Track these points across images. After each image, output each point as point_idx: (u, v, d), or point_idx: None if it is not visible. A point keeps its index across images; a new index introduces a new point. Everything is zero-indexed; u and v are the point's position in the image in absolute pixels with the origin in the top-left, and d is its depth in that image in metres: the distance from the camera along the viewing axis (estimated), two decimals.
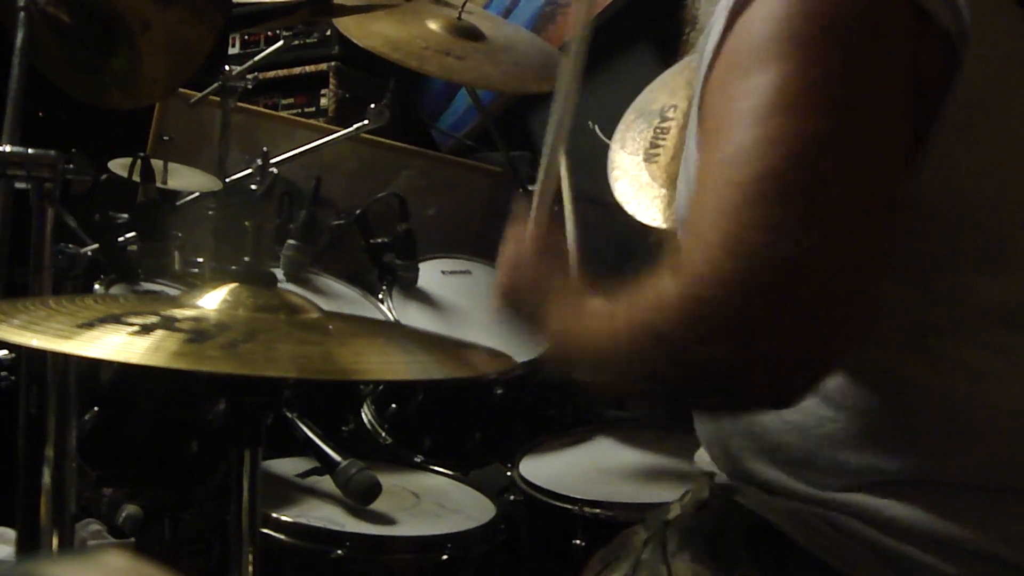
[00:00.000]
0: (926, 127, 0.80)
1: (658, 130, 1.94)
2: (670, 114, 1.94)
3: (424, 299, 1.96)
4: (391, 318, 1.83)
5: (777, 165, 0.73)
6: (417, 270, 1.96)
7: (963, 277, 0.84)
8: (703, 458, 1.03)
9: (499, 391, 1.76)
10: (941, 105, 0.80)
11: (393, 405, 1.77)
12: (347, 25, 2.01)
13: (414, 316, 1.88)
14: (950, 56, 0.79)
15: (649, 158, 1.93)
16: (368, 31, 1.97)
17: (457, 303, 1.98)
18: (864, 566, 0.84)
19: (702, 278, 0.74)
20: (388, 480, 1.49)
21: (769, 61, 0.76)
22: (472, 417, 1.80)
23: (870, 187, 0.75)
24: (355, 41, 1.96)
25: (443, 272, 2.05)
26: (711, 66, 0.83)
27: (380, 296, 1.90)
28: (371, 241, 1.98)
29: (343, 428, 1.80)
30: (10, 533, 1.29)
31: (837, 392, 0.85)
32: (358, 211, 2.01)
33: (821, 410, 0.86)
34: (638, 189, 1.90)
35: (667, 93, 1.96)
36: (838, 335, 0.74)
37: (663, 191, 1.81)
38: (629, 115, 2.02)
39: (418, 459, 1.76)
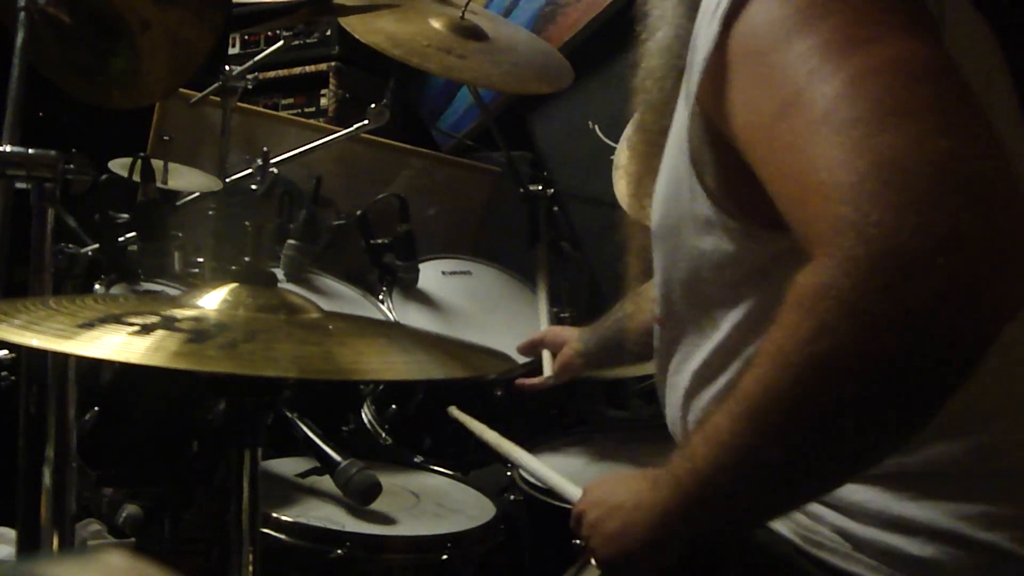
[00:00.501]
0: None
1: None
2: None
3: (424, 300, 1.96)
4: (391, 319, 1.83)
5: (891, 86, 0.68)
6: (417, 271, 1.96)
7: None
8: None
9: (499, 392, 1.76)
10: None
11: (393, 405, 1.77)
12: (349, 22, 2.01)
13: (414, 316, 1.89)
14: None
15: None
16: (370, 28, 1.97)
17: (457, 303, 1.98)
18: (835, 550, 0.86)
19: (863, 219, 0.64)
20: (388, 480, 1.49)
21: (817, 19, 0.73)
22: (473, 417, 1.80)
23: (972, 93, 0.70)
24: (357, 38, 1.96)
25: (443, 273, 2.05)
26: (714, 71, 0.81)
27: (380, 297, 1.90)
28: (371, 242, 1.98)
29: (343, 428, 1.80)
30: (10, 533, 1.29)
31: None
32: (359, 212, 2.01)
33: None
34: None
35: None
36: None
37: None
38: (636, 116, 2.02)
39: (418, 459, 1.76)
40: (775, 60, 0.75)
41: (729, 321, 0.91)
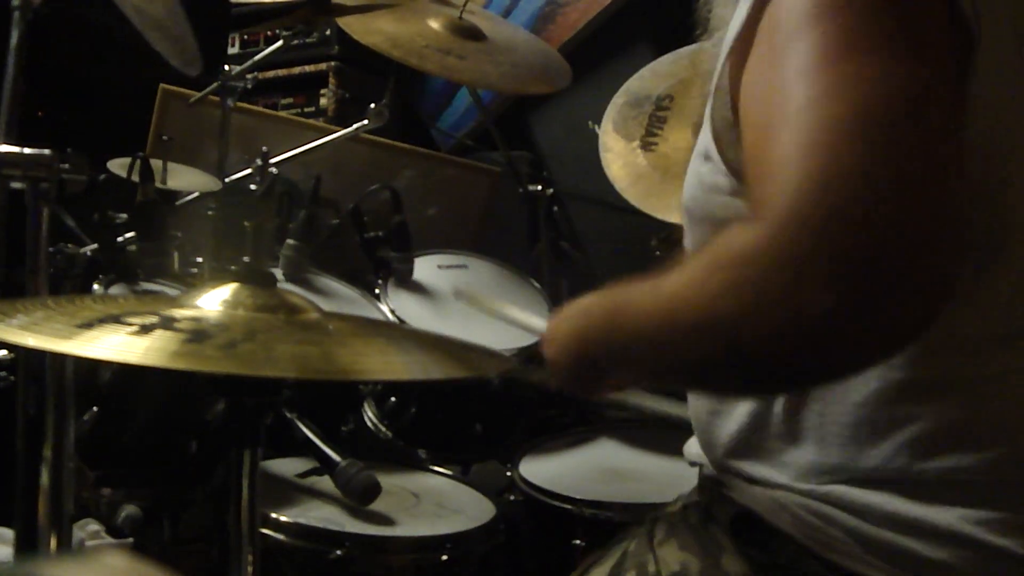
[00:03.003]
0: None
1: (653, 118, 1.94)
2: (666, 104, 1.94)
3: (420, 292, 1.96)
4: (387, 312, 1.83)
5: (862, 102, 0.70)
6: (412, 261, 1.96)
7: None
8: (692, 449, 1.04)
9: (496, 381, 1.77)
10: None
11: (392, 399, 1.77)
12: (348, 22, 2.01)
13: (410, 308, 1.88)
14: (967, 45, 0.79)
15: (646, 146, 1.93)
16: (369, 28, 1.97)
17: (454, 295, 1.98)
18: (846, 552, 0.85)
19: (796, 214, 0.68)
20: (388, 480, 1.49)
21: (828, 15, 0.75)
22: (472, 407, 1.80)
23: (950, 126, 0.73)
24: (356, 38, 1.96)
25: (439, 267, 2.05)
26: (742, 47, 0.83)
27: (376, 290, 1.90)
28: (365, 236, 1.98)
29: (343, 428, 1.80)
30: (8, 533, 1.29)
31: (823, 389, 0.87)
32: (351, 206, 2.01)
33: (807, 407, 0.88)
34: (637, 177, 1.90)
35: (661, 82, 1.96)
36: (948, 263, 0.69)
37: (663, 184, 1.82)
38: (618, 98, 2.02)
39: (421, 453, 1.76)
40: (781, 47, 0.78)
41: None
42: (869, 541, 0.84)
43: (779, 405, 0.90)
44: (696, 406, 1.00)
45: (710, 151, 0.90)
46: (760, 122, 0.78)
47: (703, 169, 0.93)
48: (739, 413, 0.93)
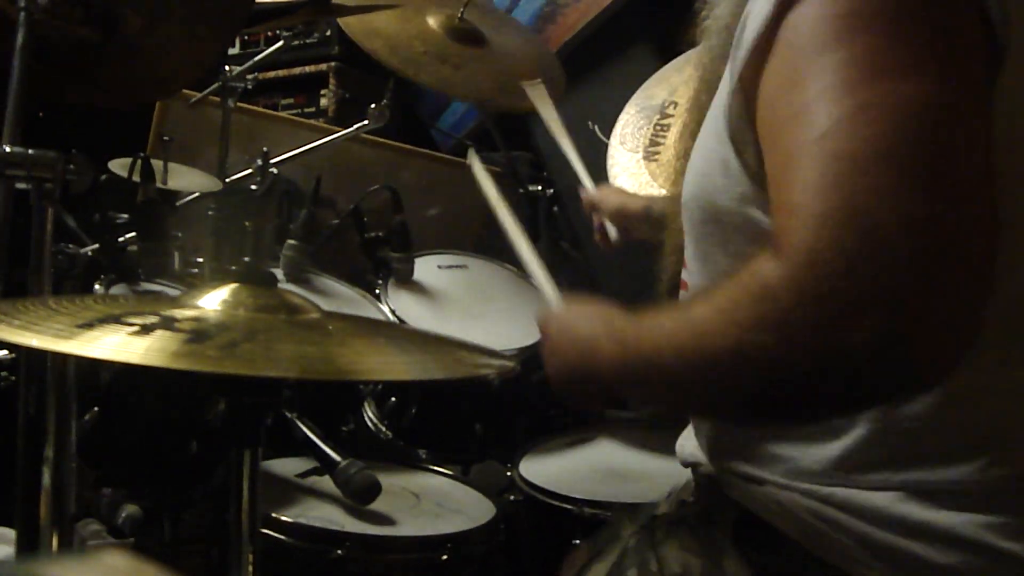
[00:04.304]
0: None
1: (658, 127, 1.94)
2: (670, 111, 1.94)
3: (421, 292, 1.96)
4: (387, 312, 1.84)
5: (887, 129, 0.69)
6: (412, 261, 1.96)
7: None
8: (686, 447, 1.03)
9: (496, 381, 1.77)
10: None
11: (392, 399, 1.77)
12: (348, 23, 2.01)
13: (411, 308, 1.89)
14: (994, 54, 0.78)
15: (648, 156, 1.93)
16: (368, 28, 1.97)
17: (454, 295, 1.98)
18: (847, 554, 0.85)
19: (818, 253, 0.67)
20: (388, 480, 1.49)
21: (854, 33, 0.74)
22: (472, 408, 1.80)
23: (978, 145, 0.72)
24: (356, 41, 1.96)
25: (439, 267, 2.05)
26: (760, 53, 0.81)
27: (376, 291, 1.90)
28: (366, 236, 1.98)
29: (343, 428, 1.80)
30: (10, 533, 1.29)
31: None
32: (352, 206, 2.02)
33: None
34: (638, 188, 1.90)
35: (666, 89, 1.96)
36: (977, 296, 0.68)
37: (663, 191, 1.81)
38: (629, 110, 2.02)
39: (421, 453, 1.76)
40: (804, 64, 0.76)
41: None
42: (874, 545, 0.84)
43: None
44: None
45: (723, 151, 0.88)
46: (782, 146, 0.76)
47: (712, 168, 0.90)
48: None
